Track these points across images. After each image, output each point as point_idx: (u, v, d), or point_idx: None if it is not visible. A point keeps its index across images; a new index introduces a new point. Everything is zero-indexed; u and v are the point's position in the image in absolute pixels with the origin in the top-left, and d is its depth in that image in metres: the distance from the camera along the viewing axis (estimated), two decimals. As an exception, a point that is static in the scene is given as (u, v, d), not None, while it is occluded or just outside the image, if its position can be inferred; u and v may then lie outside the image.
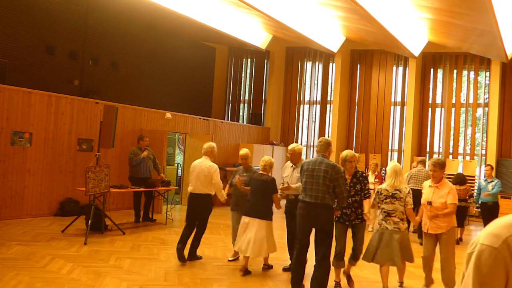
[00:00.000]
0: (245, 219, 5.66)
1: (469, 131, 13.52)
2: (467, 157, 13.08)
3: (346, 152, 5.22)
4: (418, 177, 8.52)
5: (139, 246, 6.77)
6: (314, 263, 4.76)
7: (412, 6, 9.36)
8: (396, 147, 13.91)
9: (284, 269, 5.88)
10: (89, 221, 7.03)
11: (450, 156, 13.23)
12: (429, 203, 4.99)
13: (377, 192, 5.12)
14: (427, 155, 13.43)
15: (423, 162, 8.81)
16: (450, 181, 8.80)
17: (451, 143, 13.32)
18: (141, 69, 12.88)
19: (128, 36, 12.41)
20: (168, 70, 13.71)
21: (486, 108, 12.90)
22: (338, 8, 9.80)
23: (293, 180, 5.59)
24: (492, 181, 8.62)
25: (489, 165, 9.09)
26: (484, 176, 9.18)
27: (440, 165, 4.99)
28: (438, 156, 13.45)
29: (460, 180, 8.56)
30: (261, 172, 5.79)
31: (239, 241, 5.65)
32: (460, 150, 13.27)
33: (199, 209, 6.13)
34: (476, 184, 9.15)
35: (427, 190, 5.14)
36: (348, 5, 8.94)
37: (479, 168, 12.74)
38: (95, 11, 11.59)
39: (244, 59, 16.04)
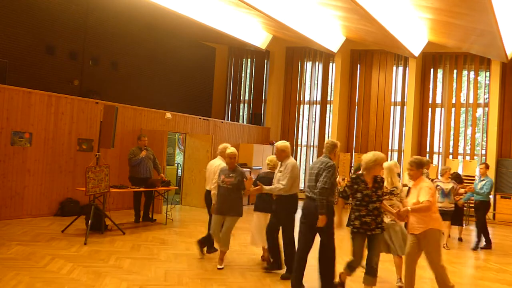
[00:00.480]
0: (257, 215, 6.02)
1: (469, 131, 13.52)
2: (467, 157, 13.08)
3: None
4: None
5: (139, 246, 6.77)
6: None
7: (412, 6, 9.36)
8: (396, 147, 13.91)
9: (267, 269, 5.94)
10: (89, 221, 7.03)
11: (450, 156, 13.24)
12: None
13: None
14: (427, 155, 13.43)
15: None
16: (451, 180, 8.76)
17: (451, 143, 13.33)
18: (141, 69, 12.88)
19: (128, 36, 12.41)
20: (168, 70, 13.71)
21: (486, 108, 12.91)
22: (338, 8, 9.80)
23: (275, 179, 5.62)
24: (483, 180, 8.51)
25: (483, 163, 8.92)
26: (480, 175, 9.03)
27: (417, 164, 4.81)
28: (438, 156, 13.46)
29: (458, 179, 8.60)
30: (269, 170, 6.11)
31: (259, 237, 5.95)
32: (460, 150, 13.27)
33: (208, 207, 6.51)
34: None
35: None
36: (348, 5, 8.94)
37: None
38: (95, 11, 11.59)
39: (244, 59, 16.05)
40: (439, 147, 13.50)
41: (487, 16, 8.32)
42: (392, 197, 5.26)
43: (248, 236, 7.65)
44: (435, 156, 13.45)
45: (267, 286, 5.24)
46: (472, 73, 13.20)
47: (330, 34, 12.74)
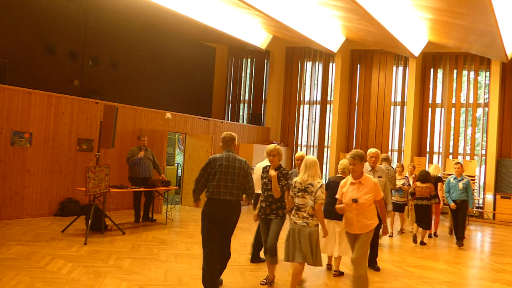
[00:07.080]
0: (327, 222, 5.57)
1: (469, 131, 13.52)
2: (467, 157, 13.08)
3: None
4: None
5: (139, 246, 6.77)
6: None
7: (412, 6, 9.36)
8: (396, 147, 13.91)
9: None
10: (89, 221, 7.03)
11: (450, 156, 13.24)
12: (355, 200, 4.58)
13: (293, 185, 4.92)
14: (427, 155, 13.44)
15: (387, 160, 8.02)
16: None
17: (451, 143, 13.33)
18: (141, 69, 12.88)
19: (128, 36, 12.41)
20: (168, 70, 13.71)
21: (486, 108, 12.91)
22: (338, 8, 9.81)
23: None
24: (462, 179, 8.35)
25: (459, 163, 8.69)
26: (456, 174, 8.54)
27: (360, 158, 4.57)
28: (438, 156, 13.46)
29: (422, 177, 8.34)
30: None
31: (329, 244, 5.95)
32: (460, 150, 13.27)
33: None
34: (446, 182, 8.74)
35: (349, 187, 4.71)
36: (348, 5, 8.94)
37: (479, 168, 12.75)
38: (95, 11, 11.59)
39: (244, 59, 16.05)
40: (439, 147, 13.50)
41: (487, 16, 8.33)
42: (305, 195, 4.74)
43: (247, 236, 7.66)
44: (435, 156, 13.46)
45: (267, 286, 5.23)
46: (472, 73, 13.20)
47: (330, 34, 12.74)
